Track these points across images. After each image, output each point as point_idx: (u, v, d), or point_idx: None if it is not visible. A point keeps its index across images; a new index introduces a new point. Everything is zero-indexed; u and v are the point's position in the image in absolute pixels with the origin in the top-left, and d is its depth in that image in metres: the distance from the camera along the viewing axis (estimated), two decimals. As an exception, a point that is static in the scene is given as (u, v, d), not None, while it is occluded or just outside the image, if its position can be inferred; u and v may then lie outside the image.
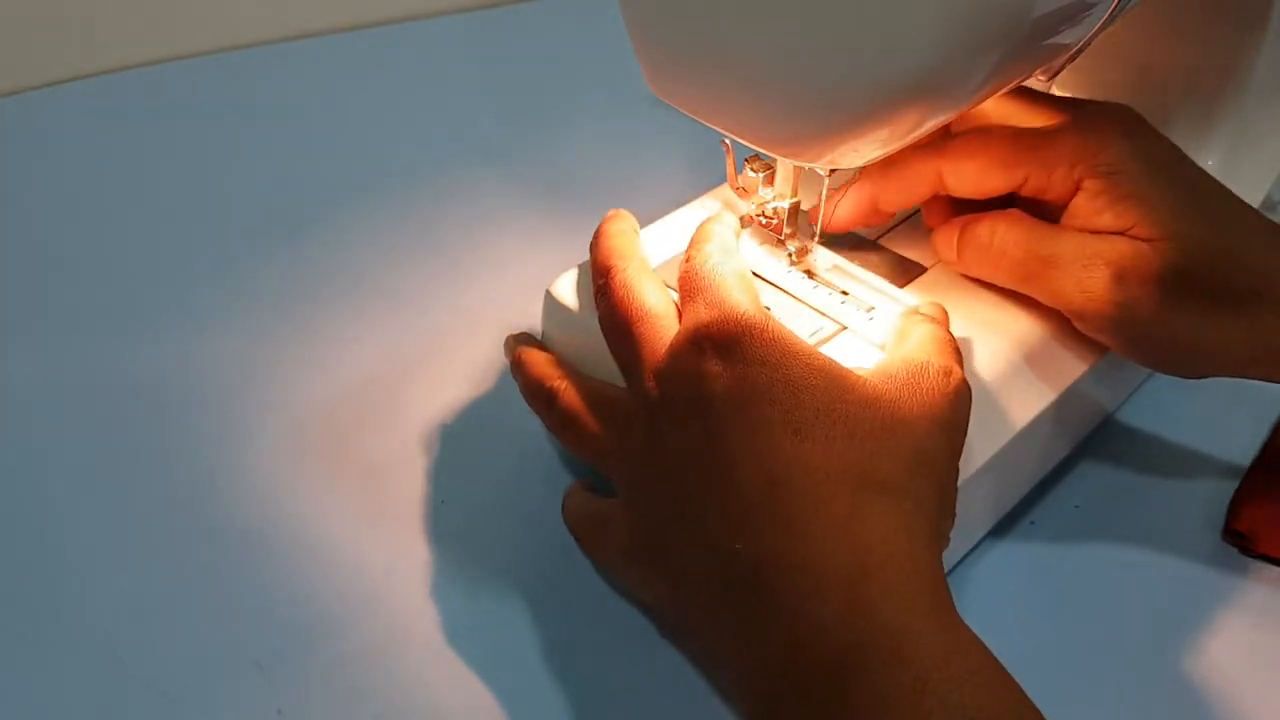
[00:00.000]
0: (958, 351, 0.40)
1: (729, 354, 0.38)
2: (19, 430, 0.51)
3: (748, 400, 0.37)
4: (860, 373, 0.39)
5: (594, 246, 0.45)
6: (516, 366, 0.48)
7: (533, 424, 0.48)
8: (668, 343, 0.40)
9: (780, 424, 0.36)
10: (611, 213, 0.46)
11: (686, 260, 0.42)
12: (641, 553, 0.41)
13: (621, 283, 0.43)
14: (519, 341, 0.50)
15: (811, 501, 0.35)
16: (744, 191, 0.47)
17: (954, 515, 0.39)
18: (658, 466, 0.39)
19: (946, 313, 0.43)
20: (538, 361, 0.47)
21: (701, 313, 0.39)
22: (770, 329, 0.38)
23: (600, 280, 0.44)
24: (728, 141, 0.47)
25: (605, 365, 0.44)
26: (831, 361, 0.38)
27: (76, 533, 0.46)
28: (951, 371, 0.39)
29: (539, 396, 0.46)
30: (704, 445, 0.37)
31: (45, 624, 0.43)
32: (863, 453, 0.36)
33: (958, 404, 0.39)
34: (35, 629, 0.43)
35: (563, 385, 0.45)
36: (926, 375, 0.38)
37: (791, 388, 0.37)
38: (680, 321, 0.41)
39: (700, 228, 0.44)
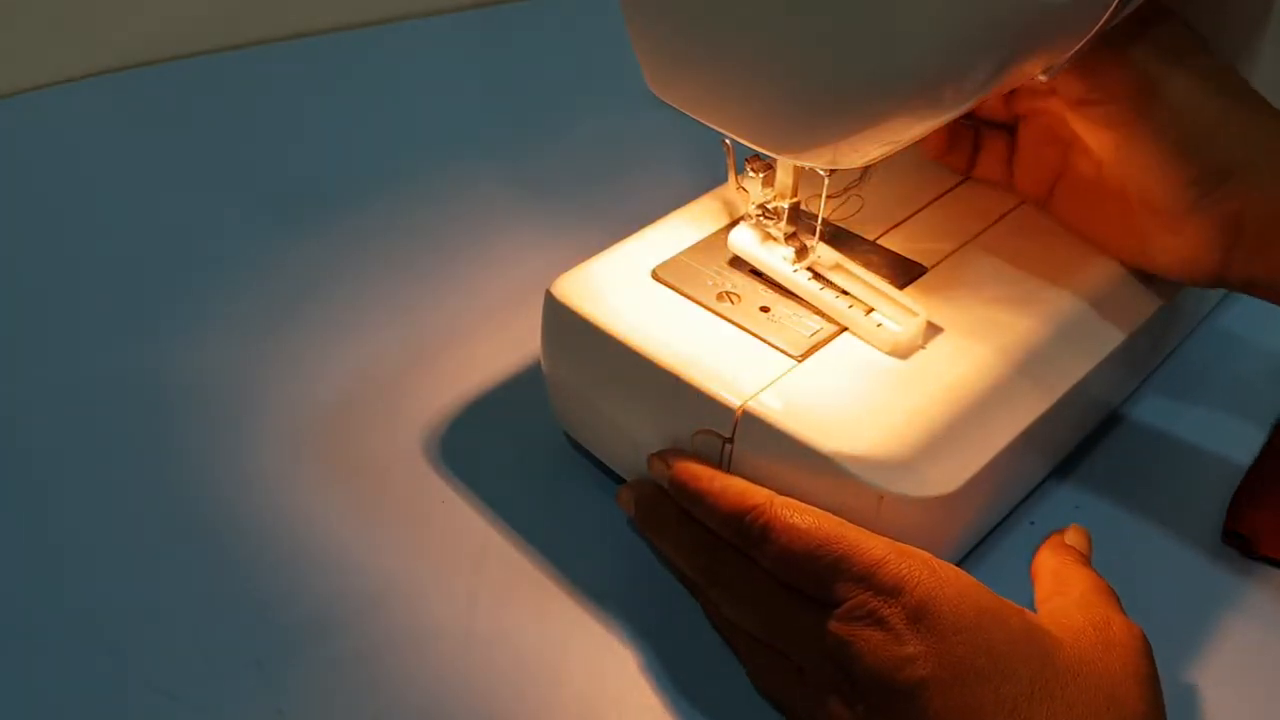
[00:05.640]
0: (1118, 599, 0.40)
1: (920, 621, 0.36)
2: (18, 429, 0.51)
3: (954, 682, 0.36)
4: (1048, 626, 0.38)
5: (699, 496, 0.41)
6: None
7: (532, 422, 0.47)
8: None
9: (993, 706, 0.35)
10: (678, 465, 0.42)
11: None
12: None
13: (781, 524, 0.39)
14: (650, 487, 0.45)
15: None
16: (745, 191, 0.47)
17: None
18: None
19: (1089, 539, 0.44)
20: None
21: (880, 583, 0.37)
22: (950, 586, 0.37)
23: (744, 528, 0.40)
24: (728, 141, 0.46)
25: (604, 368, 0.44)
26: (1026, 616, 0.37)
27: (76, 532, 0.46)
28: (1132, 626, 0.38)
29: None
30: None
31: (46, 623, 0.43)
32: None
33: (1151, 658, 0.38)
34: (36, 628, 0.43)
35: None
36: (1111, 630, 0.38)
37: (997, 658, 0.36)
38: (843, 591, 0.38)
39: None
